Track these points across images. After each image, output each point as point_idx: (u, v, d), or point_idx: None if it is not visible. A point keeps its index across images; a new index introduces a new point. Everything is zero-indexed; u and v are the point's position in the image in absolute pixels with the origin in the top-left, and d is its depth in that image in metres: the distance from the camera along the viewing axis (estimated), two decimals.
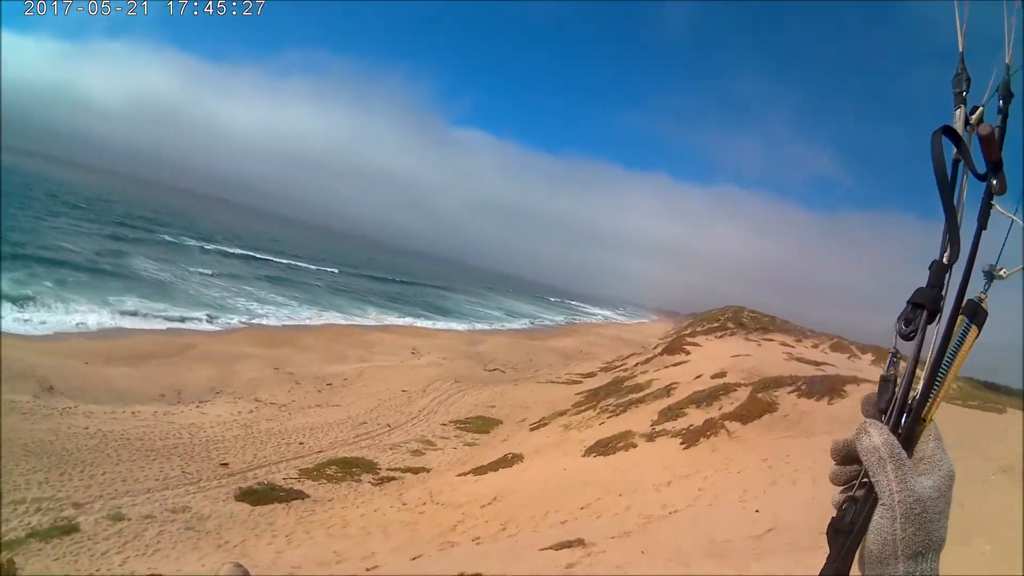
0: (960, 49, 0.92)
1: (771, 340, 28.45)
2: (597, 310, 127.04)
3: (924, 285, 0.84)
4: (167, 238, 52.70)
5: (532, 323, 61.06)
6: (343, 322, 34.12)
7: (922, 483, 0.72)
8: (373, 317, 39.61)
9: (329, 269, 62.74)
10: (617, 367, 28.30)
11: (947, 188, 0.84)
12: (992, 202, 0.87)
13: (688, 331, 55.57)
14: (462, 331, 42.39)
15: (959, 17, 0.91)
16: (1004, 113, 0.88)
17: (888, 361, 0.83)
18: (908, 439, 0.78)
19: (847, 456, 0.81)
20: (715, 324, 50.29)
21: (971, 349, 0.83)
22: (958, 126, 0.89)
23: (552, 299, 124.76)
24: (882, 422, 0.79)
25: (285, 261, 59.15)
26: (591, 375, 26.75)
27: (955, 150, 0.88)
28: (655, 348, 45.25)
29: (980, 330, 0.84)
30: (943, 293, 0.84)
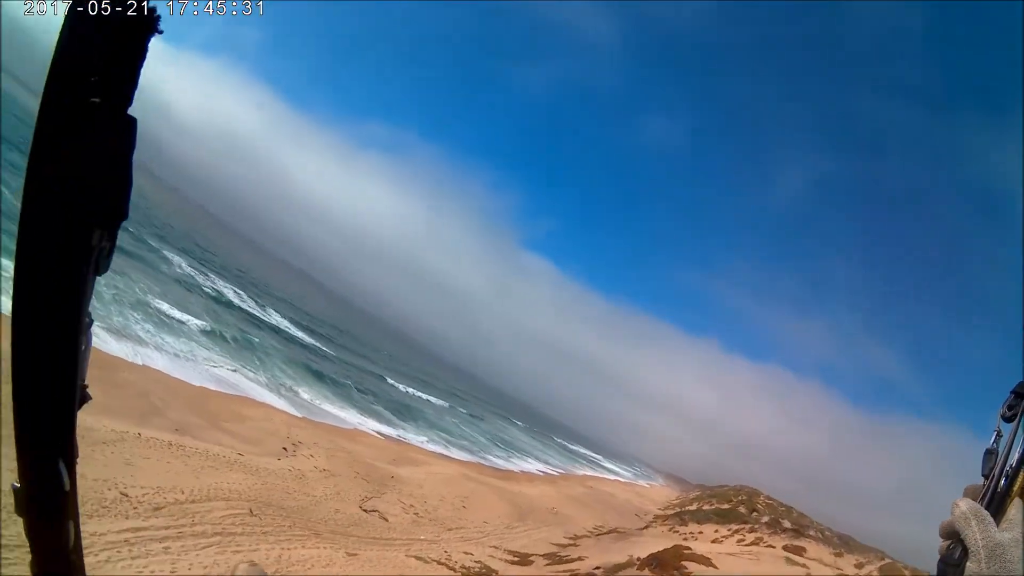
0: None
1: (802, 552, 20.94)
2: (604, 461, 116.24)
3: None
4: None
5: (508, 456, 49.28)
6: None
7: (1003, 535, 0.85)
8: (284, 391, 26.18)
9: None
10: (571, 560, 18.71)
11: None
12: None
13: (693, 506, 46.96)
14: (405, 441, 31.55)
15: None
16: None
17: (992, 438, 0.94)
18: (997, 509, 0.88)
19: (949, 532, 0.90)
20: (726, 506, 42.20)
21: None
22: None
23: (558, 439, 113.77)
24: (979, 496, 0.90)
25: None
26: (524, 560, 17.28)
27: None
28: (651, 521, 37.04)
29: None
30: None
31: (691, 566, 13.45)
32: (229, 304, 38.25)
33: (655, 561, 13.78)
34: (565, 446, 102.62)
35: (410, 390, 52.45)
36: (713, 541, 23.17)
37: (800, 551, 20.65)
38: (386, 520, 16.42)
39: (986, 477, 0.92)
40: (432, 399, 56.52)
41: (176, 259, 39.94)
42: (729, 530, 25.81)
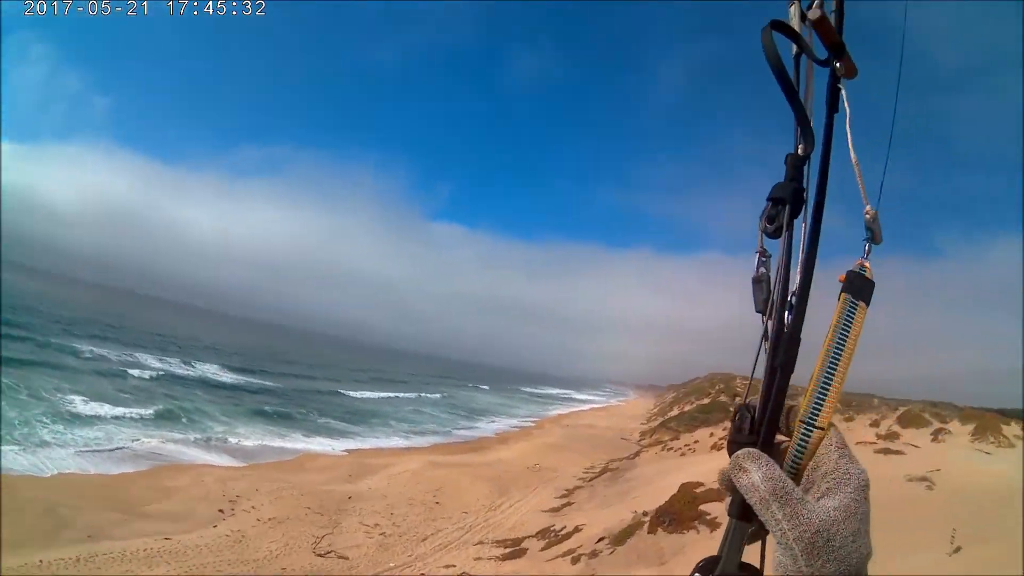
0: None
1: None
2: (575, 394, 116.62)
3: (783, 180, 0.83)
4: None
5: (475, 424, 43.75)
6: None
7: (823, 508, 0.65)
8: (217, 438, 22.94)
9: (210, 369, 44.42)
10: (569, 534, 14.46)
11: (786, 79, 0.80)
12: (840, 86, 0.86)
13: (674, 411, 45.63)
14: (362, 449, 27.15)
15: None
16: None
17: (756, 262, 0.83)
18: (802, 451, 0.73)
19: (730, 487, 0.74)
20: (706, 400, 40.97)
21: (861, 332, 0.77)
22: (795, 22, 0.88)
23: (526, 389, 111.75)
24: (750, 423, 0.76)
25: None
26: (516, 549, 13.66)
27: (794, 47, 0.87)
28: (640, 443, 34.89)
29: (868, 305, 0.79)
30: (804, 185, 0.82)
31: (709, 507, 10.15)
32: (151, 369, 36.59)
33: (667, 518, 10.35)
34: (534, 393, 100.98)
35: (366, 394, 48.86)
36: (713, 447, 20.68)
37: None
38: (346, 558, 13.21)
39: (763, 312, 0.80)
40: (393, 394, 52.96)
41: (86, 348, 38.40)
42: (724, 428, 23.42)
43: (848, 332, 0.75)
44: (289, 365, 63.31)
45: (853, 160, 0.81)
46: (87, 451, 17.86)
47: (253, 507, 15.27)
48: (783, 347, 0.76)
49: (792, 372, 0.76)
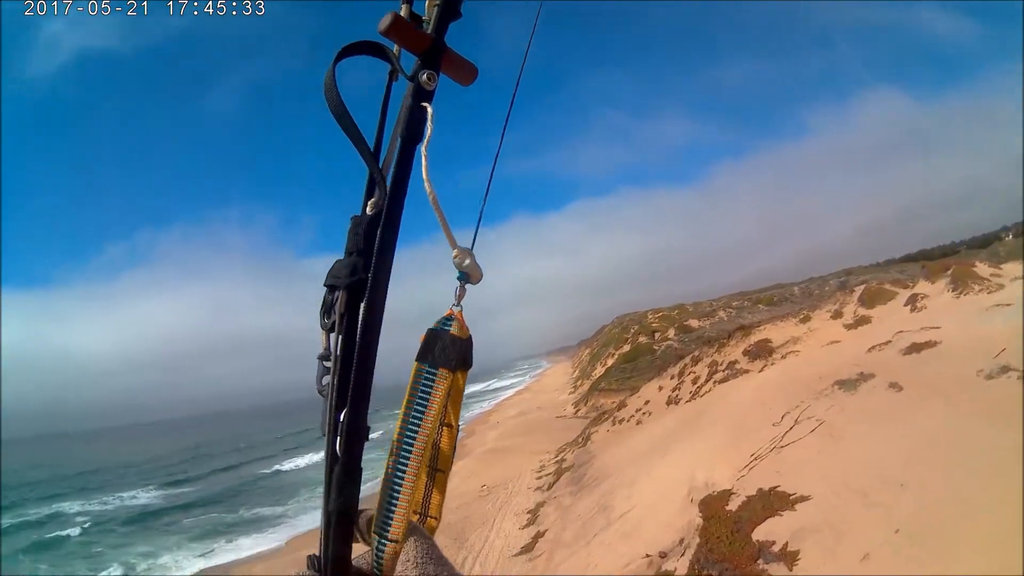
0: None
1: (768, 350, 15.26)
2: (495, 383, 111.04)
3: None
4: None
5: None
6: None
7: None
8: None
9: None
10: None
11: (347, 119, 0.65)
12: (425, 103, 0.68)
13: (598, 368, 43.04)
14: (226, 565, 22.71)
15: None
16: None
17: (318, 372, 0.67)
18: (379, 566, 0.63)
19: None
20: (626, 347, 38.54)
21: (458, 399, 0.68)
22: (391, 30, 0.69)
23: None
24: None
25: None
26: None
27: (390, 66, 0.72)
28: (575, 414, 31.48)
29: (463, 368, 0.66)
30: (368, 261, 0.66)
31: (769, 528, 6.06)
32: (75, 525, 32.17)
33: (711, 566, 6.11)
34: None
35: (289, 464, 44.85)
36: (670, 402, 17.39)
37: (766, 348, 15.43)
38: None
39: (325, 399, 0.65)
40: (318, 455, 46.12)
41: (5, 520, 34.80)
42: (670, 376, 20.19)
43: (424, 412, 0.61)
44: (210, 460, 58.95)
45: (430, 196, 0.64)
46: None
47: None
48: (338, 485, 0.62)
49: (355, 515, 0.63)
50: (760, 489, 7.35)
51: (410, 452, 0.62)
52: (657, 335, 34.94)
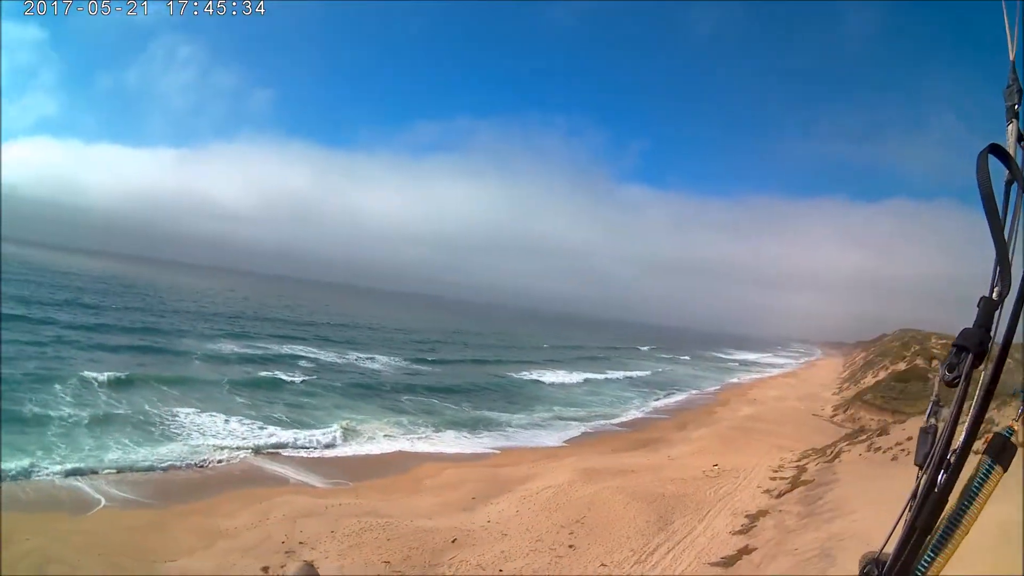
0: (1011, 57, 0.81)
1: None
2: (764, 357, 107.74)
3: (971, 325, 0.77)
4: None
5: (647, 400, 39.08)
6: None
7: None
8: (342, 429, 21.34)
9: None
10: None
11: (995, 214, 0.73)
12: None
13: (868, 378, 43.34)
14: (535, 448, 23.25)
15: (1008, 19, 0.79)
16: None
17: (928, 411, 0.79)
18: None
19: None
20: (902, 366, 40.90)
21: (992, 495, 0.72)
22: (1010, 143, 0.80)
23: (709, 353, 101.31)
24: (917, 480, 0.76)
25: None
26: None
27: (1007, 172, 0.79)
28: (832, 417, 33.21)
29: (1006, 470, 0.73)
30: (992, 333, 0.76)
31: None
32: (303, 369, 33.76)
33: None
34: (719, 359, 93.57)
35: (534, 375, 44.16)
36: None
37: None
38: None
39: (920, 466, 0.77)
40: (582, 375, 46.62)
41: (228, 347, 37.17)
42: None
43: (976, 495, 0.71)
44: (463, 349, 59.47)
45: None
46: (144, 474, 15.39)
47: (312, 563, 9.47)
48: (928, 508, 0.72)
49: (931, 535, 0.72)
50: None
51: (961, 518, 0.70)
52: (935, 363, 36.30)
